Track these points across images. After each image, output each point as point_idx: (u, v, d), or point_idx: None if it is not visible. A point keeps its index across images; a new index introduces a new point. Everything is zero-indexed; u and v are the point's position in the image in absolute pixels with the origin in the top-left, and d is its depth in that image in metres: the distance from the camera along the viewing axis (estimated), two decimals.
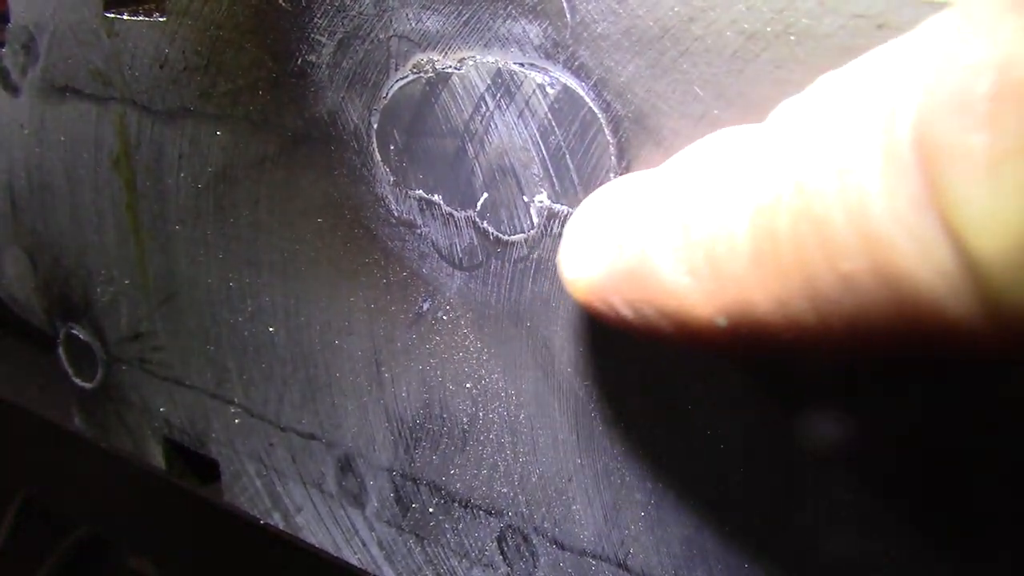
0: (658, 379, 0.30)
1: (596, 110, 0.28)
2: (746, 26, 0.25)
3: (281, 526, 0.42)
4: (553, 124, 0.29)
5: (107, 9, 0.40)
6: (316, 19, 0.33)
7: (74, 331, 0.48)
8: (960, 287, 0.16)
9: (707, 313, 0.20)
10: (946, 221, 0.16)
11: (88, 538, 1.15)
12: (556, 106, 0.29)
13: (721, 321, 0.20)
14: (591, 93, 0.28)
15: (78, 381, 0.49)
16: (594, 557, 0.33)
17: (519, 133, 0.30)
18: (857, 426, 0.26)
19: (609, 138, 0.28)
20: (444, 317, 0.34)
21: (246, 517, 0.44)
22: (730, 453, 0.29)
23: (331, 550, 0.40)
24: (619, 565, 0.32)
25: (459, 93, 0.31)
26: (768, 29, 0.24)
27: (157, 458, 0.47)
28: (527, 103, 0.29)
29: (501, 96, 0.30)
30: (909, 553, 0.27)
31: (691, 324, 0.21)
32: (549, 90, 0.29)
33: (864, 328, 0.18)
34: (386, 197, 0.34)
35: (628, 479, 0.31)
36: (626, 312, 0.23)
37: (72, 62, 0.42)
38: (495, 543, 0.35)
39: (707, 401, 0.29)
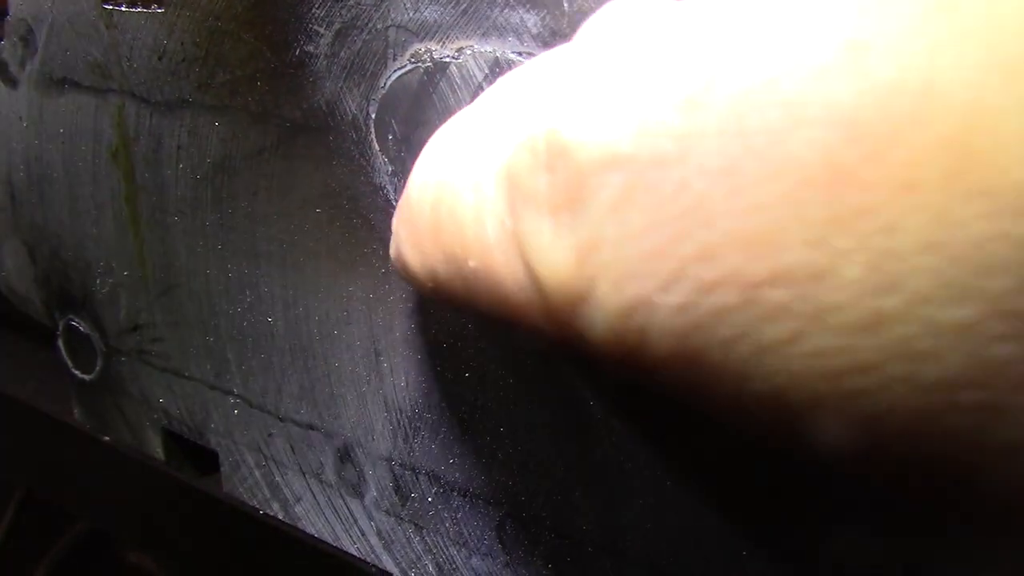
0: None
1: None
2: None
3: (280, 516, 0.42)
4: None
5: (105, 1, 0.40)
6: (314, 9, 0.33)
7: (73, 323, 0.48)
8: (527, 293, 0.20)
9: (420, 273, 0.25)
10: (521, 248, 0.20)
11: (88, 533, 1.15)
12: None
13: (429, 283, 0.25)
14: None
15: (77, 373, 0.49)
16: (592, 545, 0.33)
17: None
18: None
19: None
20: (442, 306, 0.34)
21: (247, 511, 0.44)
22: (729, 441, 0.29)
23: (330, 540, 0.41)
24: (617, 553, 0.32)
25: (457, 83, 0.31)
26: None
27: (156, 449, 0.47)
28: None
29: None
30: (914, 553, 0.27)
31: (415, 281, 0.26)
32: None
33: (487, 306, 0.22)
34: (384, 187, 0.34)
35: (627, 467, 0.31)
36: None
37: (70, 54, 0.42)
38: (494, 532, 0.35)
39: None
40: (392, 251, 0.27)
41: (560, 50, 0.22)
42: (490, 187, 0.21)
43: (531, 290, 0.20)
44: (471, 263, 0.21)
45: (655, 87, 0.17)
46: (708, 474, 0.30)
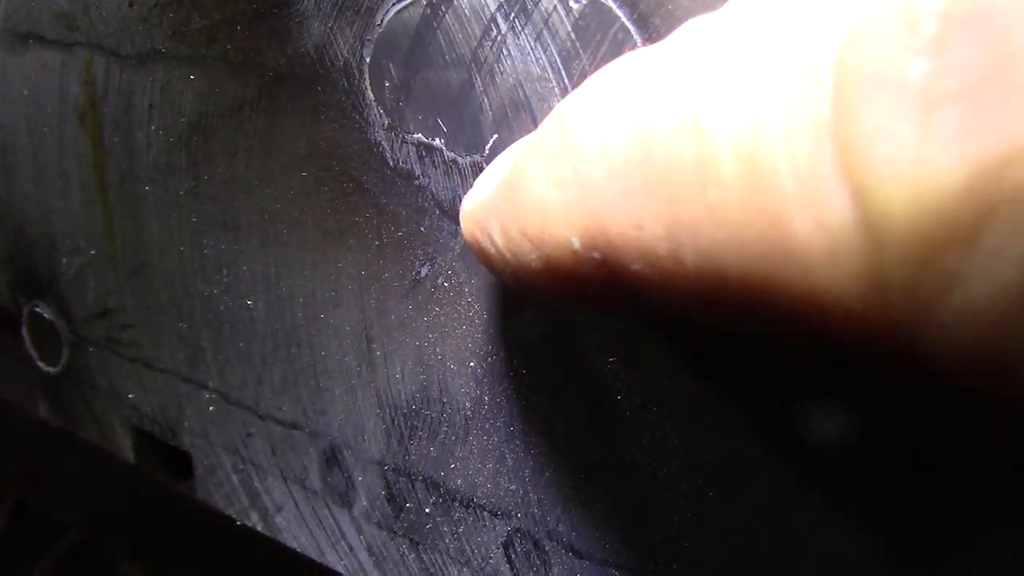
0: (699, 360, 0.25)
1: (631, 27, 0.23)
2: None
3: (259, 527, 0.37)
4: (578, 47, 0.24)
5: None
6: None
7: (38, 309, 0.43)
8: (843, 246, 0.13)
9: (563, 231, 0.18)
10: (847, 159, 0.13)
11: (80, 543, 1.11)
12: (581, 24, 0.24)
13: (575, 243, 0.18)
14: (624, 8, 0.23)
15: (42, 365, 0.45)
16: (617, 567, 0.28)
17: (536, 60, 0.25)
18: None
19: None
20: (445, 284, 0.29)
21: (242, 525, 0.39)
22: (778, 445, 0.24)
23: (314, 555, 0.36)
24: None
25: (466, 15, 0.26)
26: None
27: (125, 450, 0.42)
28: (546, 23, 0.24)
29: (516, 16, 0.25)
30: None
31: (549, 246, 0.19)
32: (573, 5, 0.24)
33: (715, 273, 0.15)
34: (380, 144, 0.29)
35: (660, 474, 0.26)
36: (499, 241, 0.20)
37: (35, 5, 0.38)
38: (501, 549, 0.30)
39: (756, 387, 0.24)
40: (507, 235, 0.20)
41: None
42: (777, 91, 0.14)
43: (845, 231, 0.13)
44: (713, 193, 0.14)
45: None
46: (761, 483, 0.24)
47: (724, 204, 0.14)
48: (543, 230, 0.19)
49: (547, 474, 0.28)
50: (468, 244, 0.22)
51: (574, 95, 0.19)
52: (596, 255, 0.17)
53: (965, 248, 0.11)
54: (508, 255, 0.20)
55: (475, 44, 0.26)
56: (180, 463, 0.41)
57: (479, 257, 0.22)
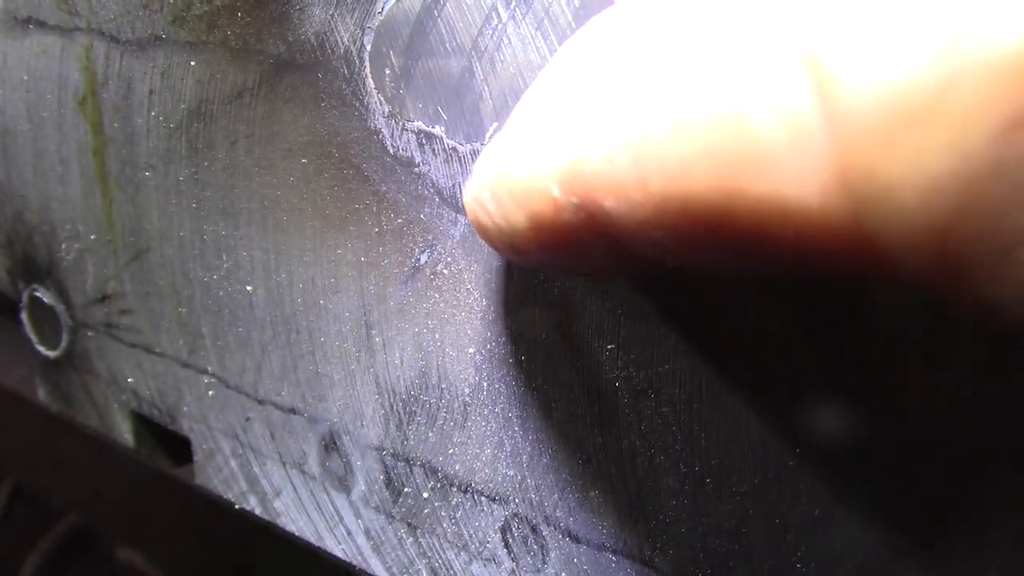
0: (697, 342, 0.25)
1: None
2: None
3: (257, 511, 0.38)
4: None
5: None
6: None
7: (38, 294, 0.43)
8: (805, 136, 0.12)
9: (543, 180, 0.18)
10: (809, 49, 0.12)
11: (77, 528, 1.11)
12: (582, 13, 0.24)
13: (555, 190, 0.18)
14: None
15: (42, 349, 0.45)
16: (614, 552, 0.28)
17: (537, 49, 0.25)
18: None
19: None
20: (445, 271, 0.29)
21: (242, 510, 0.40)
22: (775, 432, 0.24)
23: (312, 539, 0.36)
24: (644, 562, 0.27)
25: (467, 3, 0.26)
26: None
27: (124, 435, 0.42)
28: (547, 12, 0.25)
29: (516, 5, 0.25)
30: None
31: (533, 199, 0.19)
32: None
33: (680, 195, 0.15)
34: (380, 131, 0.29)
35: (658, 460, 0.26)
36: (492, 208, 0.21)
37: None
38: (498, 534, 0.30)
39: (756, 373, 0.24)
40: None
41: None
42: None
43: (815, 120, 0.12)
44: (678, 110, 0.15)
45: None
46: (754, 470, 0.25)
47: (687, 115, 0.15)
48: (526, 183, 0.19)
49: (545, 459, 0.29)
50: (471, 223, 0.22)
51: (550, 61, 0.20)
52: (574, 199, 0.18)
53: (926, 122, 0.11)
54: (501, 222, 0.20)
55: (476, 32, 0.26)
56: (179, 448, 0.42)
57: (479, 233, 0.22)
